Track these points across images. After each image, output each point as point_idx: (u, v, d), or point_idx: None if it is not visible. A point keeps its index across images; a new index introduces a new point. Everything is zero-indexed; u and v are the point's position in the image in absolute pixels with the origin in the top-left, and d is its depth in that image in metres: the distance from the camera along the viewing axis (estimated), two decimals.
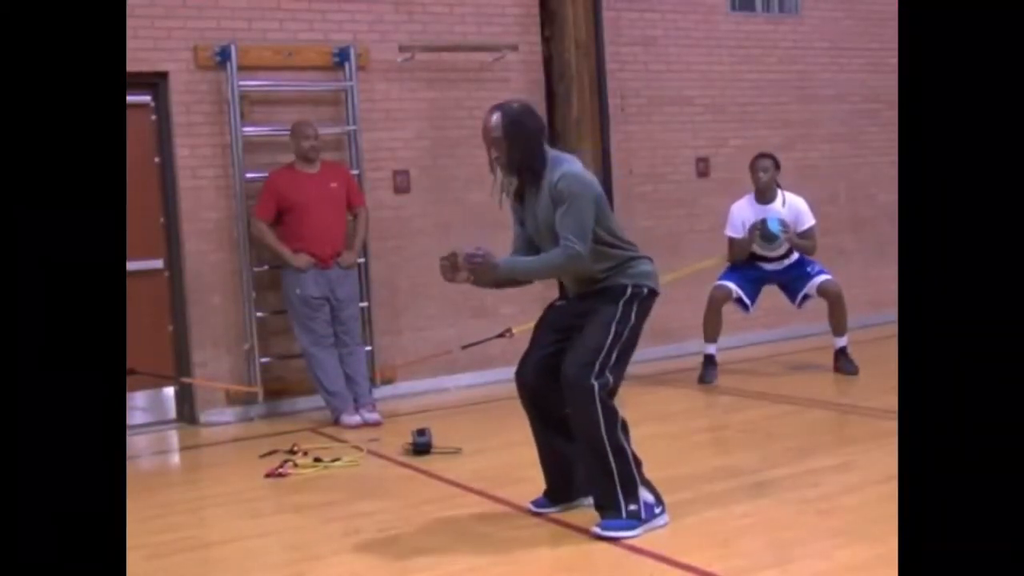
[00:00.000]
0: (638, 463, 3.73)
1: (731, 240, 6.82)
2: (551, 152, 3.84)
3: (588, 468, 3.75)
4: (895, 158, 6.49)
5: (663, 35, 7.97)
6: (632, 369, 7.10)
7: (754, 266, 6.80)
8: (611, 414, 3.63)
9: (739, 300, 6.76)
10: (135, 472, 5.21)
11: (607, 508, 3.68)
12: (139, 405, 7.03)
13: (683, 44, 8.04)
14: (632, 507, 3.64)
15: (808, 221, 6.70)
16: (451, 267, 3.74)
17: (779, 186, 6.77)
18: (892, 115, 8.35)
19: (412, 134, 7.03)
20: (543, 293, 7.36)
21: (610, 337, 3.67)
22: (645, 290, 3.79)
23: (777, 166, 6.73)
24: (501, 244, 7.31)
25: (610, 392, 3.66)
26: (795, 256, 6.76)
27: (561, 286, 3.98)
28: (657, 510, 3.71)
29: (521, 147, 3.73)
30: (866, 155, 8.87)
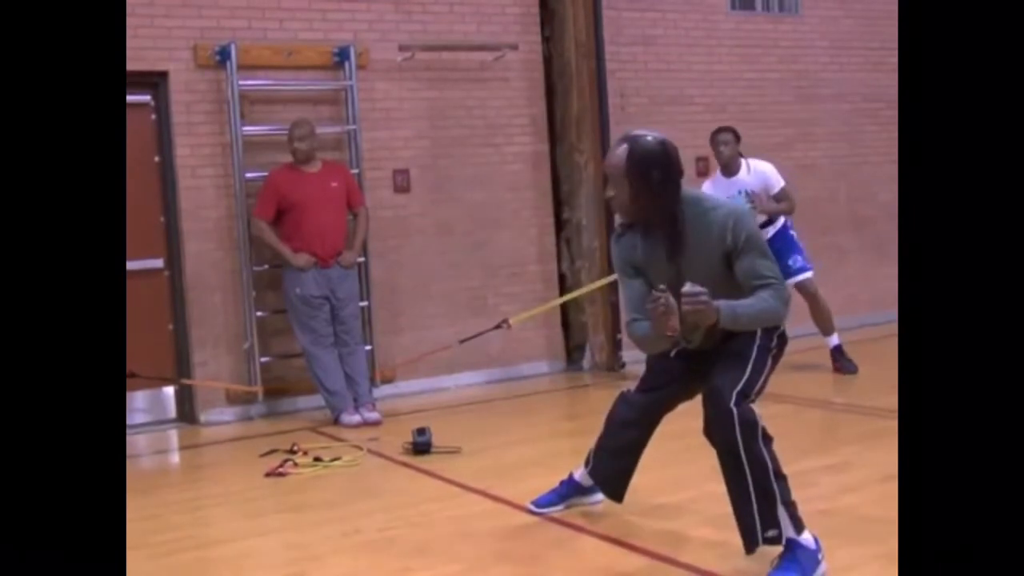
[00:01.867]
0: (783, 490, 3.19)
1: None
2: (687, 192, 3.28)
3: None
4: (895, 157, 6.49)
5: (663, 34, 7.97)
6: (633, 368, 7.17)
7: None
8: (767, 437, 3.19)
9: None
10: (135, 472, 5.20)
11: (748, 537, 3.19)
12: (139, 404, 7.03)
13: (683, 44, 8.04)
14: (770, 532, 3.14)
15: (778, 183, 6.58)
16: (667, 311, 3.03)
17: (742, 155, 6.66)
18: (892, 114, 8.35)
19: (412, 133, 7.03)
20: (544, 293, 7.37)
21: (755, 373, 3.23)
22: (776, 338, 3.36)
23: (737, 138, 6.65)
24: (502, 243, 7.34)
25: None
26: (779, 224, 6.62)
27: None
28: (819, 555, 3.17)
29: (645, 190, 3.18)
30: (866, 154, 8.87)
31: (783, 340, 3.39)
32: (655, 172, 3.16)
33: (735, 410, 3.12)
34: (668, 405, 3.69)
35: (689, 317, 3.03)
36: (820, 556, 3.16)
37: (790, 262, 6.59)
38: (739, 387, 3.17)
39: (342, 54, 6.68)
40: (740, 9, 8.33)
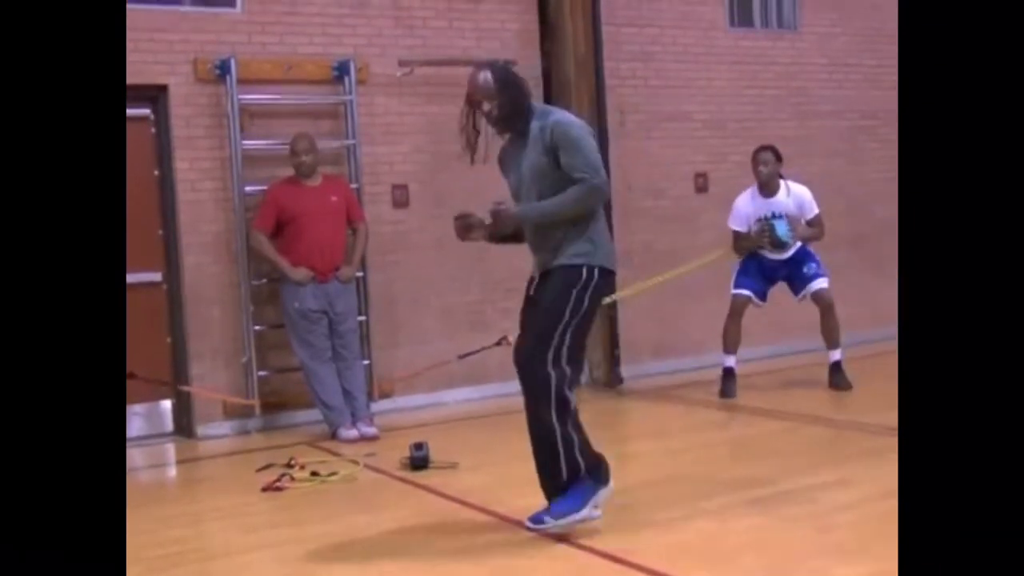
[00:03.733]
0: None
1: (736, 234, 6.79)
2: (537, 104, 4.03)
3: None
4: (893, 174, 6.49)
5: (662, 51, 7.99)
6: (631, 384, 7.17)
7: (761, 260, 6.77)
8: (562, 404, 3.73)
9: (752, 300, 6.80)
10: (132, 485, 5.17)
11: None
12: (136, 418, 7.01)
13: (682, 60, 8.06)
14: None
15: (814, 209, 6.68)
16: (465, 227, 3.91)
17: (782, 177, 6.73)
18: (890, 131, 8.36)
19: (411, 148, 7.04)
20: None
21: (562, 322, 3.73)
22: (597, 271, 3.81)
23: (778, 158, 6.68)
24: (500, 257, 7.36)
25: (568, 382, 3.76)
26: (797, 246, 6.71)
27: None
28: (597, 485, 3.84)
29: (512, 100, 3.86)
30: (864, 171, 8.88)
31: (592, 275, 3.79)
32: (512, 87, 3.88)
33: (551, 374, 3.68)
34: None
35: (493, 228, 3.83)
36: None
37: (805, 270, 6.70)
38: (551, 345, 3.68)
39: (342, 68, 6.70)
40: (739, 26, 8.36)
